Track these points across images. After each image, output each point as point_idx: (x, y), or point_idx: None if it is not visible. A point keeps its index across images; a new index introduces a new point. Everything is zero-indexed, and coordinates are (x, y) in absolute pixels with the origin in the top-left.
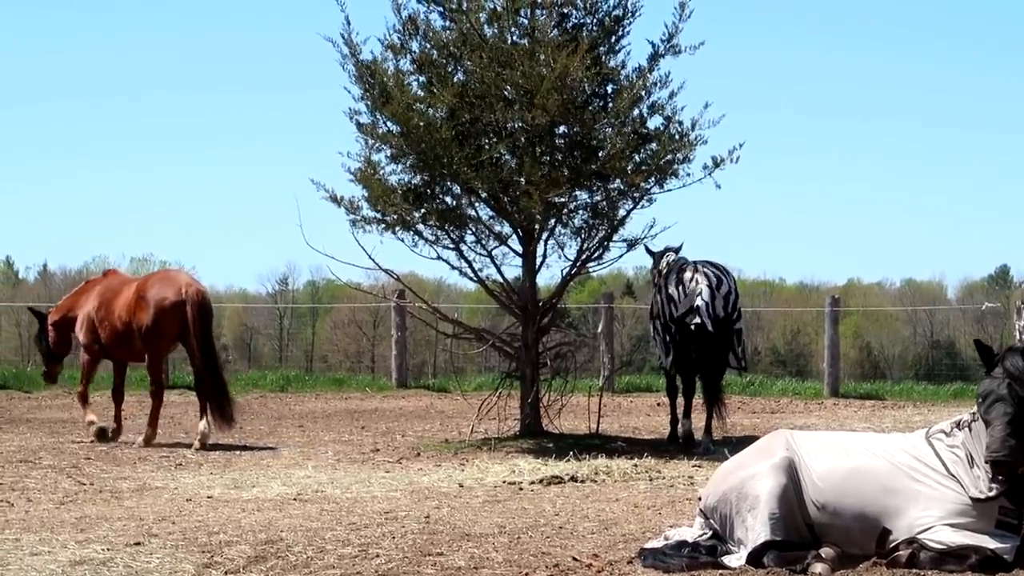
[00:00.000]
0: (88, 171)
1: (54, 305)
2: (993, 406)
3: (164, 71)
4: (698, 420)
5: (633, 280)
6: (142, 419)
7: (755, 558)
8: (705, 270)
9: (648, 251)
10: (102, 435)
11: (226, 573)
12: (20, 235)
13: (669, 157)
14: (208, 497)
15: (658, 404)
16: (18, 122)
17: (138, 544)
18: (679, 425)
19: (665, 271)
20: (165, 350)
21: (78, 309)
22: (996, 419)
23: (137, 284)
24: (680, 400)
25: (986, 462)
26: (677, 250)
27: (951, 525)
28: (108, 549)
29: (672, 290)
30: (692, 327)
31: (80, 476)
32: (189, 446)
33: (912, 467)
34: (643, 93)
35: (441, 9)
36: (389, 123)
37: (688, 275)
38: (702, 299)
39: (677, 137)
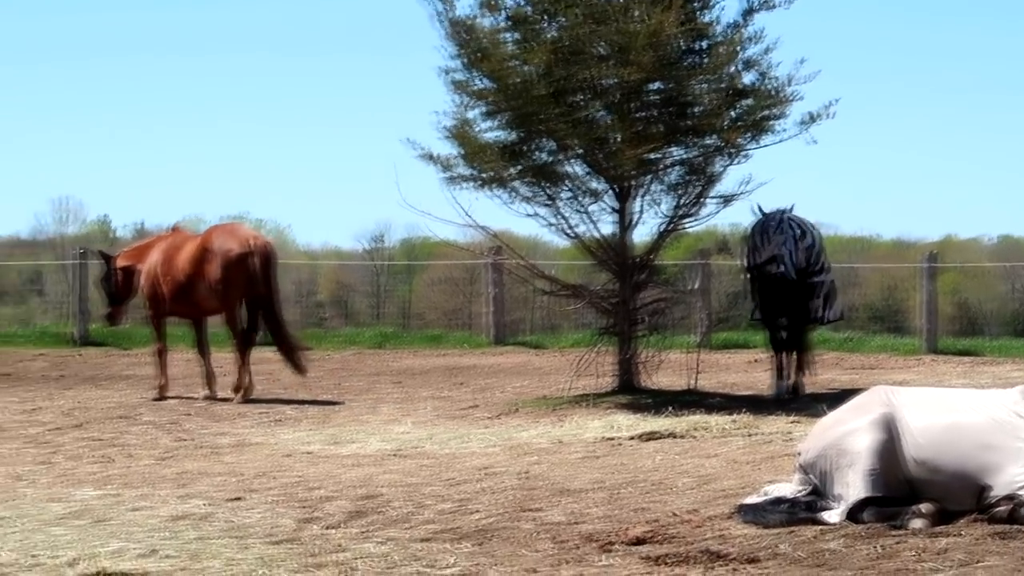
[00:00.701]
0: (184, 129)
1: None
2: None
3: (262, 30)
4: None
5: (728, 236)
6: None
7: (854, 514)
8: (790, 222)
9: (760, 211)
10: (160, 397)
11: (326, 528)
12: (116, 193)
13: (764, 113)
14: (307, 453)
15: (755, 360)
16: (115, 77)
17: (238, 499)
18: (780, 374)
19: (754, 225)
20: (236, 301)
21: (142, 263)
22: None
23: (201, 237)
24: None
25: None
26: (788, 211)
27: None
28: (208, 504)
29: (757, 240)
30: (775, 276)
31: (179, 432)
32: (287, 402)
33: (1011, 423)
34: (737, 49)
35: None
36: (484, 80)
37: (773, 226)
38: (785, 248)
39: (772, 93)
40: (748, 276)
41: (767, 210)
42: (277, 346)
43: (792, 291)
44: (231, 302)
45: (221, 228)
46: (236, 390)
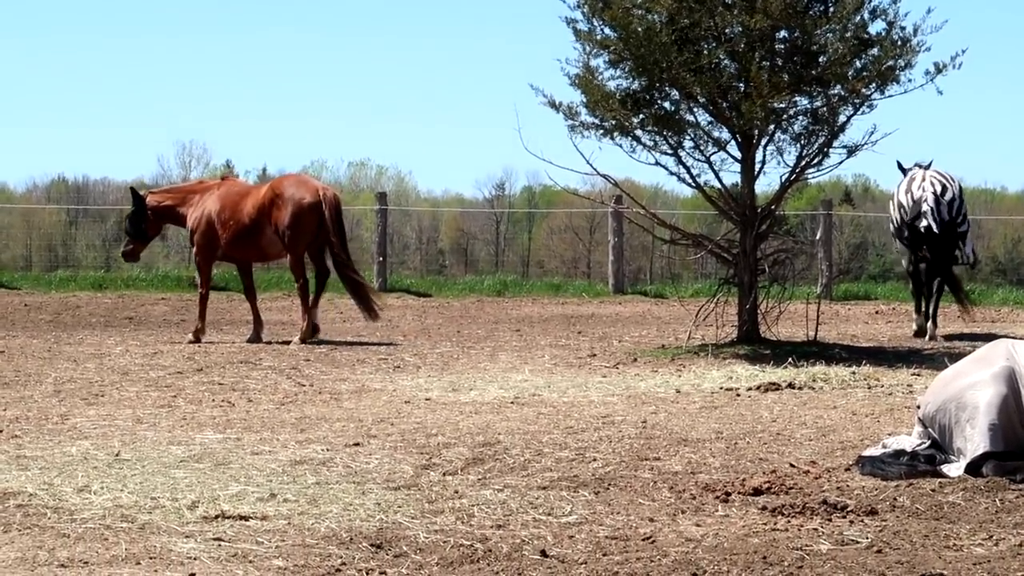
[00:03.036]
0: (307, 75)
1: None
2: None
3: None
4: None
5: (852, 187)
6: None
7: (974, 468)
8: (932, 178)
9: (900, 167)
10: (196, 340)
11: (444, 474)
12: (240, 139)
13: (891, 63)
14: (426, 399)
15: (876, 312)
16: (238, 26)
17: (357, 445)
18: (915, 321)
19: (898, 184)
20: (304, 248)
21: (187, 207)
22: None
23: (271, 185)
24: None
25: None
26: (927, 166)
27: None
28: (328, 449)
29: (902, 197)
30: (921, 230)
31: (300, 377)
32: (406, 349)
33: None
34: None
35: None
36: (607, 29)
37: (916, 183)
38: (928, 204)
39: (899, 43)
40: (894, 228)
41: (907, 166)
42: (350, 292)
43: (938, 242)
44: (299, 248)
45: (292, 178)
46: (306, 335)
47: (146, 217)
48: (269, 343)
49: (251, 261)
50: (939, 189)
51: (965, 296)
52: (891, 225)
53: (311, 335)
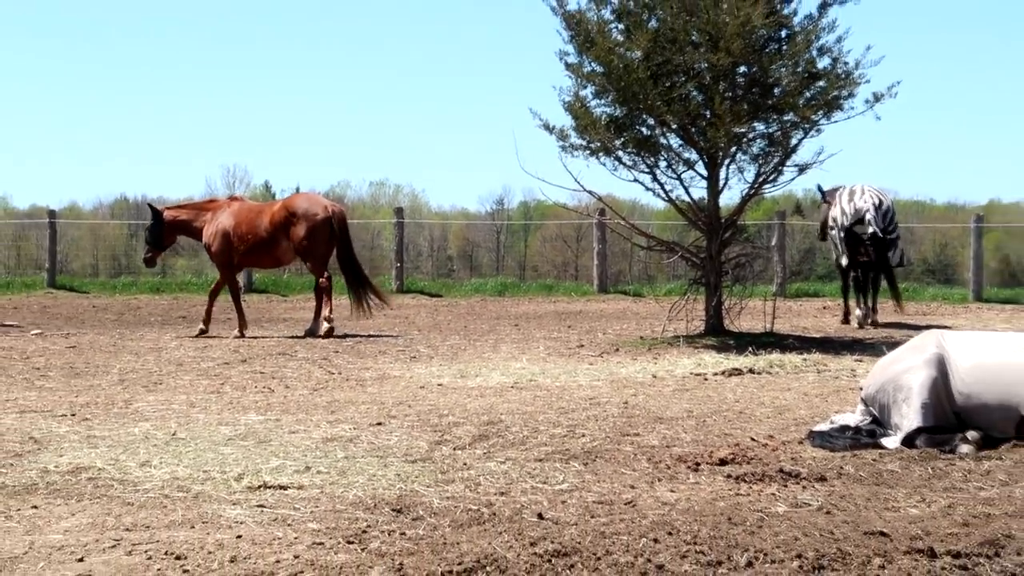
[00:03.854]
0: (334, 108)
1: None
2: None
3: (406, 27)
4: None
5: (802, 200)
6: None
7: (909, 440)
8: (871, 192)
9: (820, 189)
10: (201, 334)
11: (454, 449)
12: (276, 162)
13: (836, 93)
14: (439, 385)
15: (824, 307)
16: (275, 66)
17: (379, 424)
18: (852, 313)
19: (838, 194)
20: (326, 254)
21: (199, 222)
22: None
23: (283, 204)
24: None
25: None
26: (839, 188)
27: None
28: (354, 428)
29: (845, 206)
30: (866, 236)
31: (330, 367)
32: (420, 342)
33: None
34: (814, 38)
35: None
36: (593, 64)
37: (858, 196)
38: (870, 214)
39: (843, 76)
40: (835, 233)
41: (833, 185)
42: (353, 294)
43: (877, 245)
44: (319, 255)
45: (302, 197)
46: (326, 326)
47: (163, 229)
48: (302, 337)
49: (266, 267)
50: (877, 202)
51: (899, 293)
52: (834, 228)
53: (327, 329)
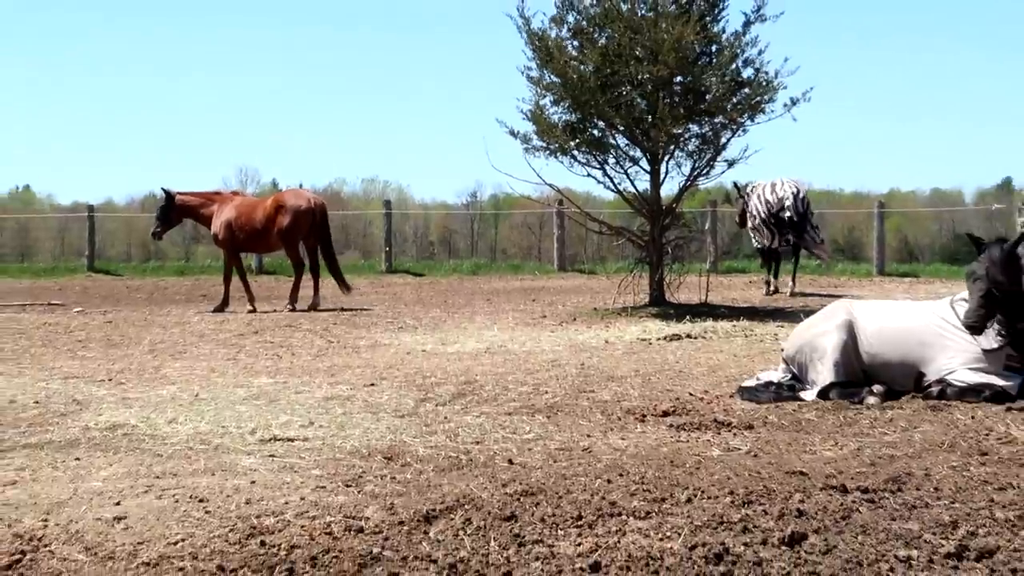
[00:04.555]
0: (331, 113)
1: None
2: (974, 283)
3: (413, 50)
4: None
5: (731, 191)
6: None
7: (823, 394)
8: (789, 183)
9: (736, 185)
10: (219, 311)
11: (437, 405)
12: (282, 161)
13: (758, 99)
14: (423, 351)
15: (750, 282)
16: (280, 76)
17: (372, 385)
18: (769, 284)
19: (760, 186)
20: (298, 241)
21: (208, 210)
22: (973, 293)
23: (274, 198)
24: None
25: (963, 326)
26: (755, 184)
27: (970, 368)
28: (351, 388)
29: (768, 196)
30: (785, 219)
31: (329, 336)
32: (406, 314)
33: (941, 326)
34: (739, 51)
35: None
36: (552, 76)
37: (779, 186)
38: (789, 201)
39: (764, 84)
40: (758, 219)
41: (747, 181)
42: (331, 273)
43: (796, 227)
44: (296, 242)
45: (290, 192)
46: (312, 306)
47: (173, 210)
48: (305, 311)
49: (261, 252)
50: (795, 191)
51: (798, 270)
52: (756, 217)
53: (295, 307)
